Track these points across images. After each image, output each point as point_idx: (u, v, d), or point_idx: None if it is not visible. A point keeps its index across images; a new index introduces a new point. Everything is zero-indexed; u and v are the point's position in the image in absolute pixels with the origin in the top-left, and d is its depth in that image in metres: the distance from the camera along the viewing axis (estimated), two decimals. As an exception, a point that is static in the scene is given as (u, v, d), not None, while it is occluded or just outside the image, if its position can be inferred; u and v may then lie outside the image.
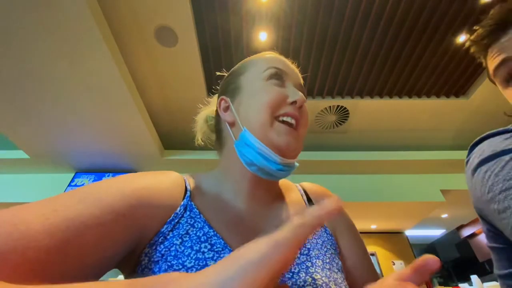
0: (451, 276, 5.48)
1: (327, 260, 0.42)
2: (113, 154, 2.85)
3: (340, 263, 0.45)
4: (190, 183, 0.46)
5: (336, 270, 0.42)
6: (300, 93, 0.46)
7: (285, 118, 0.44)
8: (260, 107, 0.44)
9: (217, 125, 0.55)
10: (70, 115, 2.36)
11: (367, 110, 2.89)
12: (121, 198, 0.34)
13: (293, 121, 0.45)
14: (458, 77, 2.60)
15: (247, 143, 0.43)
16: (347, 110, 2.88)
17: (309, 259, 0.40)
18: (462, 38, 2.27)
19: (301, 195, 0.54)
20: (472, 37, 0.61)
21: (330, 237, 0.48)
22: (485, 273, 4.28)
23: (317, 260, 0.41)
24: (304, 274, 0.38)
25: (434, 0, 2.02)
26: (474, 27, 0.60)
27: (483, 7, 2.06)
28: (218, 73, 0.63)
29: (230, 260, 0.19)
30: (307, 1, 2.00)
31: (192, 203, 0.42)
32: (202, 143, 0.58)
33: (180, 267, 0.35)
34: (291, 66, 0.52)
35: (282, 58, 0.53)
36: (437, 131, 3.17)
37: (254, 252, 0.19)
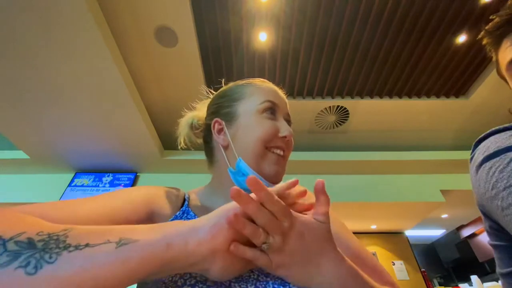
0: (451, 276, 5.46)
1: None
2: (113, 154, 2.85)
3: None
4: (189, 196, 0.55)
5: None
6: (290, 128, 0.53)
7: (275, 150, 0.51)
8: (255, 140, 0.50)
9: (207, 140, 0.59)
10: (70, 115, 2.35)
11: (367, 110, 2.89)
12: (139, 196, 0.47)
13: (281, 153, 0.52)
14: (458, 77, 2.60)
15: (244, 173, 0.50)
16: (347, 110, 2.88)
17: None
18: (462, 38, 2.27)
19: None
20: (487, 27, 0.59)
21: None
22: (485, 274, 4.27)
23: None
24: None
25: (434, 0, 2.03)
26: (491, 17, 0.58)
27: (483, 7, 2.06)
28: (218, 81, 0.66)
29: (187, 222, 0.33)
30: (307, 2, 2.00)
31: (189, 208, 0.51)
32: (185, 146, 0.64)
33: None
34: (282, 96, 0.58)
35: (275, 88, 0.58)
36: (437, 131, 3.17)
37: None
